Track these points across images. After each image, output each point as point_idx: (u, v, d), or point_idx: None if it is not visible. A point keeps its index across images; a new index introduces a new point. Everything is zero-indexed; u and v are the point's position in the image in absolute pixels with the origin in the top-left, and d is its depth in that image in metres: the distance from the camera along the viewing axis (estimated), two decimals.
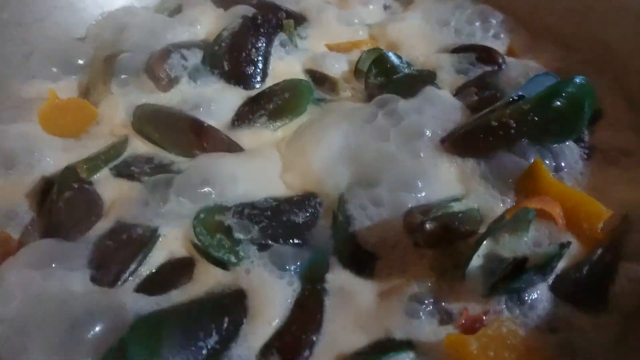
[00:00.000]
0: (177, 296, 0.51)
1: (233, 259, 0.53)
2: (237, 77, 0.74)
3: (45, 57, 0.76)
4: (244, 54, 0.75)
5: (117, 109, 0.69)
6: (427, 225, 0.51)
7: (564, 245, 0.47)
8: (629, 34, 0.71)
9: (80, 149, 0.65)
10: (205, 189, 0.58)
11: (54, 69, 0.75)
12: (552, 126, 0.59)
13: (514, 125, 0.58)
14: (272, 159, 0.65)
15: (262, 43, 0.76)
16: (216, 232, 0.54)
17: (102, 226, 0.56)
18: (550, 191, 0.55)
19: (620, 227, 0.54)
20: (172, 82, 0.71)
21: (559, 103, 0.58)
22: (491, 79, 0.72)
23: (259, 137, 0.68)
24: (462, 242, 0.53)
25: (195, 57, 0.75)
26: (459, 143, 0.60)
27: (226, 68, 0.74)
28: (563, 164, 0.60)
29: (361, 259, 0.54)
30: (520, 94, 0.63)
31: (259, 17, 0.78)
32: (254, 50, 0.75)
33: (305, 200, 0.58)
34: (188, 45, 0.76)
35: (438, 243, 0.52)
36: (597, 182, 0.60)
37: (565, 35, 0.79)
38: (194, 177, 0.59)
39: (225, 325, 0.48)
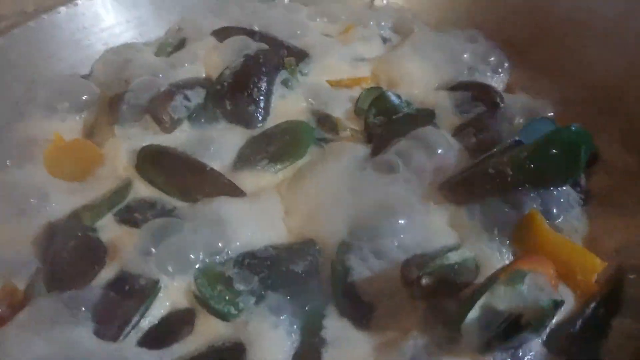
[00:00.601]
0: (179, 349, 0.52)
1: (233, 310, 0.53)
2: (239, 116, 0.75)
3: (51, 97, 0.77)
4: (245, 94, 0.76)
5: (120, 151, 0.69)
6: (424, 280, 0.52)
7: (557, 304, 0.48)
8: (623, 75, 0.72)
9: (86, 192, 0.66)
10: (207, 238, 0.58)
11: (59, 109, 0.76)
12: (548, 173, 0.59)
13: (511, 173, 0.59)
14: (274, 202, 0.66)
15: (263, 82, 0.77)
16: (217, 283, 0.55)
17: (105, 275, 0.57)
18: (545, 243, 0.56)
19: (614, 278, 0.54)
20: (175, 123, 0.72)
21: (555, 151, 0.59)
22: (489, 119, 0.73)
23: (261, 179, 0.69)
24: (459, 293, 0.54)
25: (198, 97, 0.76)
26: (457, 190, 0.62)
27: (228, 107, 0.75)
28: (559, 211, 0.61)
29: (359, 309, 0.54)
30: (517, 139, 0.64)
31: (261, 56, 0.79)
32: (255, 89, 0.76)
33: (305, 248, 0.59)
34: (191, 85, 0.77)
35: (435, 296, 0.53)
36: (593, 228, 0.61)
37: (564, 72, 0.80)
38: (195, 225, 0.59)
39: None
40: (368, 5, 0.97)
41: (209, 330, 0.53)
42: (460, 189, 0.61)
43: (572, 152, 0.59)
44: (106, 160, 0.70)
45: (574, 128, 0.61)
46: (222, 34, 0.88)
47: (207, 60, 0.83)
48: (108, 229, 0.62)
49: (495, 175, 0.60)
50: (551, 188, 0.60)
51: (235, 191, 0.66)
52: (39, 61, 0.82)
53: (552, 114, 0.74)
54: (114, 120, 0.73)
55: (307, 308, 0.54)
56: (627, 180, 0.66)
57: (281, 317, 0.53)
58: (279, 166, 0.69)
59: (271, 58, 0.80)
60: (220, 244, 0.59)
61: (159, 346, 0.52)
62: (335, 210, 0.61)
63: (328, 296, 0.56)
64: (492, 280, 0.48)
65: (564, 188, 0.62)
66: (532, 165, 0.59)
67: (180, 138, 0.72)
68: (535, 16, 0.84)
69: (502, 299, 0.50)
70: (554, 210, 0.60)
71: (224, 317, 0.54)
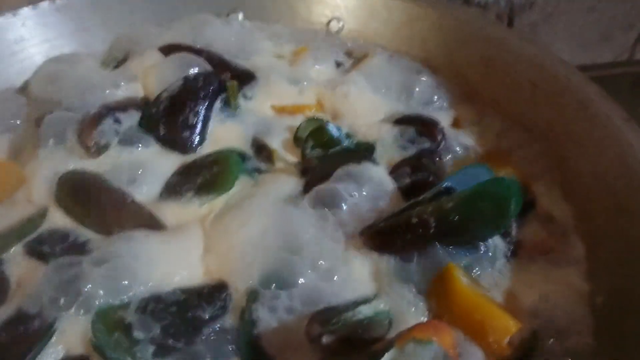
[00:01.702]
0: None
1: None
2: (173, 141, 0.73)
3: None
4: (181, 118, 0.74)
5: (41, 176, 0.67)
6: (324, 339, 0.50)
7: None
8: (570, 118, 0.70)
9: (2, 216, 0.63)
10: (114, 278, 0.56)
11: None
12: (473, 226, 0.57)
13: (434, 224, 0.57)
14: (194, 238, 0.63)
15: (201, 107, 0.75)
16: (115, 329, 0.52)
17: (4, 312, 0.54)
18: (459, 300, 0.54)
19: (527, 342, 0.53)
20: (102, 148, 0.70)
21: (482, 204, 0.57)
22: (427, 158, 0.71)
23: (185, 212, 0.66)
24: (365, 350, 0.51)
25: (131, 119, 0.74)
26: (377, 238, 0.59)
27: (162, 132, 0.73)
28: (482, 264, 0.59)
29: None
30: (447, 185, 0.62)
31: (200, 79, 0.77)
32: (192, 114, 0.74)
33: (215, 293, 0.57)
34: (124, 107, 0.74)
35: (338, 353, 0.51)
36: (515, 282, 0.59)
37: (511, 112, 0.78)
38: (103, 263, 0.57)
39: None
40: (323, 28, 0.94)
41: None
42: (380, 237, 0.59)
43: (501, 206, 0.57)
44: (26, 185, 0.67)
45: (504, 180, 0.59)
46: (168, 50, 0.86)
47: (146, 80, 0.81)
48: (15, 261, 0.60)
49: (418, 225, 0.57)
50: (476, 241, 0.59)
51: (155, 225, 0.63)
52: None
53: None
54: (38, 141, 0.70)
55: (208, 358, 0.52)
56: (559, 232, 0.65)
57: None
58: (204, 198, 0.67)
59: (211, 81, 0.77)
60: (126, 283, 0.56)
61: None
62: (252, 252, 0.59)
63: (233, 345, 0.54)
64: (387, 347, 0.46)
65: (491, 240, 0.60)
66: (456, 217, 0.57)
67: (107, 163, 0.70)
68: (487, 51, 0.82)
69: (411, 355, 0.49)
70: (476, 263, 0.58)
71: None
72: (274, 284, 0.56)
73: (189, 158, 0.72)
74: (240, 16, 0.95)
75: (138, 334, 0.52)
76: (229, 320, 0.55)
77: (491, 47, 0.81)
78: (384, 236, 0.59)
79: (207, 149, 0.74)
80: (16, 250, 0.60)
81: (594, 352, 0.53)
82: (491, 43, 0.81)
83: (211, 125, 0.76)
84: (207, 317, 0.55)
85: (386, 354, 0.47)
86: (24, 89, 0.81)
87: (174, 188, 0.68)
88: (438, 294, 0.55)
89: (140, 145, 0.72)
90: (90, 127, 0.70)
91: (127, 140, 0.72)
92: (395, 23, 0.90)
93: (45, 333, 0.52)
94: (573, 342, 0.53)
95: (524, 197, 0.61)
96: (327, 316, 0.52)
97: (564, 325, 0.54)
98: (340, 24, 0.94)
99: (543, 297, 0.57)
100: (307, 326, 0.51)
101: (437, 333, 0.47)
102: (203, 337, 0.53)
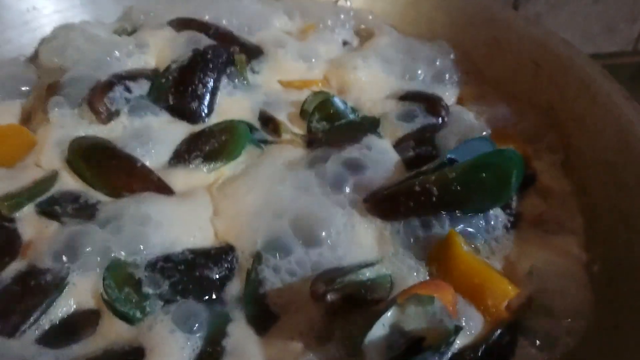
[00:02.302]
0: (78, 350, 0.51)
1: (138, 314, 0.52)
2: (181, 111, 0.74)
3: None
4: (190, 89, 0.74)
5: (52, 140, 0.68)
6: (329, 297, 0.51)
7: (457, 329, 0.47)
8: (572, 97, 0.72)
9: (12, 179, 0.64)
10: (126, 237, 0.57)
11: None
12: (475, 197, 0.58)
13: (436, 193, 0.58)
14: (202, 203, 0.64)
15: (209, 78, 0.76)
16: (125, 285, 0.54)
17: (15, 268, 0.56)
18: (459, 265, 0.55)
19: (524, 306, 0.54)
20: (113, 115, 0.71)
21: (484, 175, 0.57)
22: (431, 133, 0.72)
23: (193, 178, 0.67)
24: (368, 310, 0.53)
25: (140, 89, 0.75)
26: (380, 205, 0.60)
27: (171, 102, 0.74)
28: (482, 233, 0.60)
29: (263, 319, 0.54)
30: (450, 157, 0.63)
31: (209, 52, 0.77)
32: (200, 85, 0.75)
33: (223, 254, 0.58)
34: (134, 76, 0.75)
35: (342, 311, 0.52)
36: (514, 252, 0.61)
37: (514, 90, 0.79)
38: (114, 224, 0.58)
39: None
40: (332, 5, 0.95)
41: (111, 333, 0.52)
42: (384, 204, 0.60)
43: (503, 177, 0.58)
44: (37, 148, 0.68)
45: (506, 153, 0.60)
46: (178, 24, 0.87)
47: (158, 52, 0.82)
48: (27, 220, 0.61)
49: (421, 193, 0.58)
50: (476, 213, 0.60)
51: (164, 189, 0.65)
52: None
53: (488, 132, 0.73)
54: (49, 107, 0.71)
55: (213, 317, 0.53)
56: (558, 205, 0.66)
57: (186, 324, 0.52)
58: (211, 166, 0.68)
59: (220, 54, 0.78)
60: (139, 245, 0.57)
61: (58, 345, 0.51)
62: (258, 217, 0.60)
63: (238, 303, 0.55)
64: (391, 303, 0.48)
65: (491, 211, 0.61)
66: (458, 187, 0.58)
67: (116, 130, 0.71)
68: (493, 31, 0.83)
69: (411, 318, 0.50)
70: (476, 232, 0.60)
71: (128, 320, 0.53)
72: (278, 250, 0.57)
73: (198, 127, 0.73)
74: None
75: (147, 289, 0.54)
76: (236, 282, 0.57)
77: (496, 28, 0.82)
78: (387, 203, 0.60)
79: (214, 120, 0.75)
80: (29, 210, 0.61)
81: (589, 316, 0.54)
82: (497, 24, 0.82)
83: (219, 97, 0.76)
84: (215, 277, 0.56)
85: (389, 310, 0.48)
86: (34, 57, 0.82)
87: (183, 155, 0.69)
88: (439, 259, 0.57)
89: (149, 113, 0.73)
90: (101, 93, 0.70)
91: (136, 109, 0.73)
92: (402, 3, 0.92)
93: (56, 287, 0.54)
94: (569, 307, 0.55)
95: (525, 171, 0.63)
96: (331, 276, 0.54)
97: (561, 291, 0.56)
98: (348, 3, 0.95)
99: (540, 265, 0.59)
100: (312, 285, 0.53)
101: (438, 290, 0.48)
102: (210, 295, 0.55)
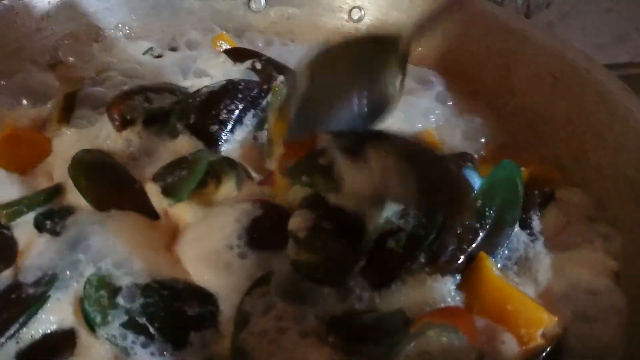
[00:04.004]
0: None
1: (98, 319, 0.50)
2: (200, 132, 0.69)
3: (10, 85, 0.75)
4: (213, 112, 0.71)
5: (62, 151, 0.67)
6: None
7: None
8: (590, 111, 0.70)
9: (20, 186, 0.63)
10: (108, 259, 0.54)
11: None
12: (503, 217, 0.58)
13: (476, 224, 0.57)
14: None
15: (235, 107, 0.71)
16: (103, 288, 0.52)
17: (5, 276, 0.55)
18: (490, 290, 0.53)
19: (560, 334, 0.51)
20: (127, 123, 0.68)
21: (499, 191, 0.58)
22: None
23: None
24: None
25: (162, 101, 0.72)
26: None
27: (192, 121, 0.70)
28: (510, 253, 0.59)
29: None
30: None
31: (243, 83, 0.74)
32: (225, 111, 0.71)
33: (213, 297, 0.54)
34: (159, 89, 0.73)
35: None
36: (545, 274, 0.58)
37: (530, 103, 0.77)
38: (103, 242, 0.56)
39: None
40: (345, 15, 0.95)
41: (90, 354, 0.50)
42: None
43: (511, 186, 0.59)
44: (50, 157, 0.68)
45: (504, 163, 0.60)
46: (234, 54, 0.83)
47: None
48: (23, 230, 0.59)
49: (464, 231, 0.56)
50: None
51: (150, 213, 0.62)
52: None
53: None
54: (66, 115, 0.71)
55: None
56: (579, 219, 0.65)
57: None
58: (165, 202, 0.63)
59: (252, 87, 0.74)
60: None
61: None
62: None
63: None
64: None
65: (515, 230, 0.59)
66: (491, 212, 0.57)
67: (129, 139, 0.68)
68: (507, 43, 0.82)
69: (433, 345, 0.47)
70: (505, 255, 0.58)
71: (88, 321, 0.51)
72: None
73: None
74: (263, 2, 0.95)
75: (120, 299, 0.52)
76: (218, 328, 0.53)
77: (512, 39, 0.81)
78: None
79: (230, 148, 0.70)
80: (27, 220, 0.60)
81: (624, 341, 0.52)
82: (512, 35, 0.81)
83: (242, 130, 0.72)
84: (190, 314, 0.52)
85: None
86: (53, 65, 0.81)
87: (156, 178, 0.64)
88: (470, 285, 0.54)
89: (167, 130, 0.70)
90: (120, 99, 0.69)
91: (154, 122, 0.70)
92: (416, 13, 0.90)
93: (37, 299, 0.52)
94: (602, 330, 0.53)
95: (544, 189, 0.64)
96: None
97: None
98: (362, 12, 0.94)
99: (570, 287, 0.57)
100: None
101: (453, 318, 0.46)
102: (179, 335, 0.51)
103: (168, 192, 0.62)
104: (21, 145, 0.68)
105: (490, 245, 0.57)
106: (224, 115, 0.71)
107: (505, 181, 0.58)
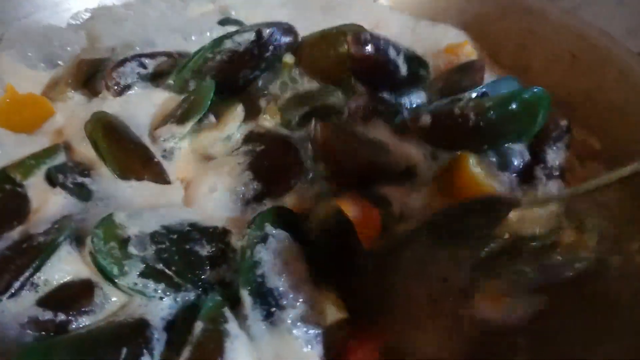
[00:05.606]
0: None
1: (116, 271, 0.49)
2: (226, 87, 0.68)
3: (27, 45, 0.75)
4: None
5: (69, 112, 0.68)
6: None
7: None
8: (610, 88, 0.69)
9: (31, 145, 0.63)
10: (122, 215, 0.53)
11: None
12: (505, 127, 0.60)
13: (473, 118, 0.59)
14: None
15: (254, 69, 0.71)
16: (112, 239, 0.50)
17: (21, 230, 0.54)
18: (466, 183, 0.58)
19: None
20: (123, 89, 0.68)
21: (515, 106, 0.59)
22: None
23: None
24: None
25: (156, 64, 0.71)
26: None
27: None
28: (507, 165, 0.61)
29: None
30: (484, 90, 0.65)
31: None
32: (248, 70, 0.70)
33: (221, 234, 0.54)
34: (154, 55, 0.72)
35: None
36: None
37: (549, 81, 0.75)
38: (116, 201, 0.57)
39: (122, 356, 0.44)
40: None
41: (108, 302, 0.50)
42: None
43: (531, 111, 0.60)
44: (56, 118, 0.67)
45: (536, 90, 0.60)
46: None
47: None
48: (36, 187, 0.58)
49: (459, 116, 0.60)
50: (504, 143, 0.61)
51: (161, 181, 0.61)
52: None
53: None
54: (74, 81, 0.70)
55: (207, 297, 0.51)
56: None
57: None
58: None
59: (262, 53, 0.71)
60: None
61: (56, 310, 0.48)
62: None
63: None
64: None
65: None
66: (493, 116, 0.59)
67: (126, 103, 0.68)
68: (526, 22, 0.80)
69: None
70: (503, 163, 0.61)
71: (105, 274, 0.49)
72: None
73: None
74: None
75: (132, 249, 0.50)
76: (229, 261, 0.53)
77: (531, 18, 0.80)
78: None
79: None
80: (39, 177, 0.59)
81: None
82: (531, 14, 0.80)
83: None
84: (204, 254, 0.52)
85: None
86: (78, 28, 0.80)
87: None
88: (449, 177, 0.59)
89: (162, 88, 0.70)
90: (113, 67, 0.68)
91: (147, 84, 0.70)
92: None
93: (49, 245, 0.51)
94: None
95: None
96: None
97: None
98: None
99: None
100: None
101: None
102: (197, 273, 0.52)
103: (182, 120, 0.63)
104: (23, 108, 0.68)
105: (479, 144, 0.60)
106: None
107: (527, 103, 0.59)
